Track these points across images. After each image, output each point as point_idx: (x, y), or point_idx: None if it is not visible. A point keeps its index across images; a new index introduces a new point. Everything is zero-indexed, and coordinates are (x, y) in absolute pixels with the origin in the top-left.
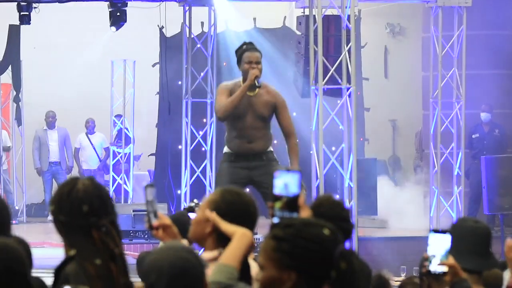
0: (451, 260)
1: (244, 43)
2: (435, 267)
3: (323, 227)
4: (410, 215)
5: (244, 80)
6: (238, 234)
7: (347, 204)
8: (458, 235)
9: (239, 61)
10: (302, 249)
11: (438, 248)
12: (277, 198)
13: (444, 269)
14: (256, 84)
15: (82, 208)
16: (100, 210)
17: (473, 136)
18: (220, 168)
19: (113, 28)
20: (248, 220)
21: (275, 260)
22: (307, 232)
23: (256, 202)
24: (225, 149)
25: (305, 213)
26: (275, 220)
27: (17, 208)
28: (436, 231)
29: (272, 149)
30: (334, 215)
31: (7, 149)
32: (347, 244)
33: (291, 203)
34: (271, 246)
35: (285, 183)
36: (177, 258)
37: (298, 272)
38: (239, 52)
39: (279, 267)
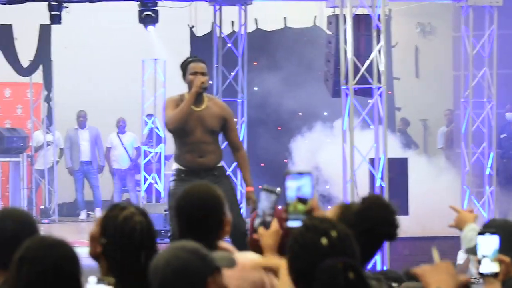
0: (503, 257)
1: (189, 57)
2: (486, 268)
3: (324, 235)
4: (441, 214)
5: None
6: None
7: None
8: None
9: (184, 74)
10: (295, 253)
11: (487, 249)
12: (291, 202)
13: (496, 269)
14: (203, 90)
15: (140, 253)
16: (154, 251)
17: (501, 136)
18: (171, 186)
19: (151, 27)
20: None
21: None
22: (302, 237)
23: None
24: (175, 166)
25: (318, 214)
26: (289, 224)
27: (48, 207)
28: (482, 232)
29: (222, 164)
30: (382, 219)
31: (39, 149)
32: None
33: (306, 207)
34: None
35: (298, 186)
36: (174, 257)
37: (294, 275)
38: (184, 64)
39: (287, 265)
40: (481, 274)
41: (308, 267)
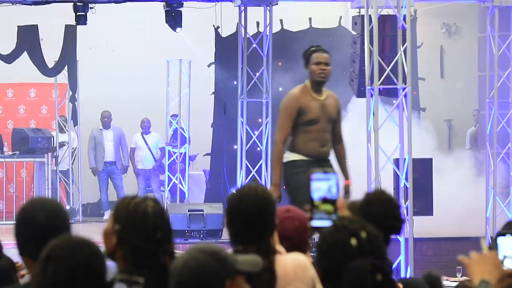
0: None
1: (312, 46)
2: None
3: (353, 236)
4: (466, 215)
5: (311, 81)
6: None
7: (402, 204)
8: None
9: (307, 63)
10: (324, 253)
11: (509, 250)
12: (317, 202)
13: None
14: (323, 78)
15: (156, 234)
16: (169, 236)
17: None
18: (294, 180)
19: (178, 29)
20: None
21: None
22: (331, 237)
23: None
24: (294, 156)
25: (344, 214)
26: (315, 223)
27: (73, 207)
28: (502, 233)
29: None
30: (384, 213)
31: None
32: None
33: (330, 205)
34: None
35: (324, 186)
36: (192, 259)
37: (323, 274)
38: (307, 53)
39: (316, 264)
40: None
41: (336, 267)
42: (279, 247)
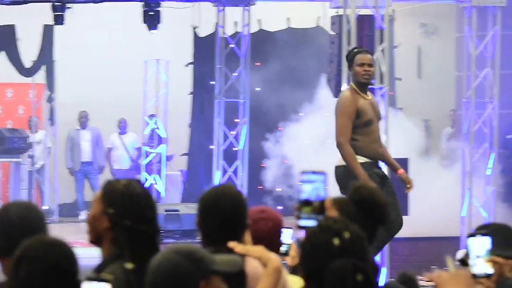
0: (496, 258)
1: (355, 47)
2: (480, 269)
3: (336, 236)
4: (442, 215)
5: (356, 82)
6: (271, 269)
7: None
8: (495, 235)
9: (350, 64)
10: (307, 252)
11: (479, 251)
12: (304, 201)
13: (490, 270)
14: (367, 80)
15: (147, 214)
16: (156, 216)
17: (508, 137)
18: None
19: (154, 30)
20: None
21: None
22: (315, 237)
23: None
24: (359, 159)
25: (331, 214)
26: (301, 223)
27: (49, 207)
28: (473, 235)
29: None
30: (373, 203)
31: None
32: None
33: (317, 205)
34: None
35: (312, 186)
36: (166, 259)
37: (305, 273)
38: (351, 54)
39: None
40: (474, 276)
41: (319, 267)
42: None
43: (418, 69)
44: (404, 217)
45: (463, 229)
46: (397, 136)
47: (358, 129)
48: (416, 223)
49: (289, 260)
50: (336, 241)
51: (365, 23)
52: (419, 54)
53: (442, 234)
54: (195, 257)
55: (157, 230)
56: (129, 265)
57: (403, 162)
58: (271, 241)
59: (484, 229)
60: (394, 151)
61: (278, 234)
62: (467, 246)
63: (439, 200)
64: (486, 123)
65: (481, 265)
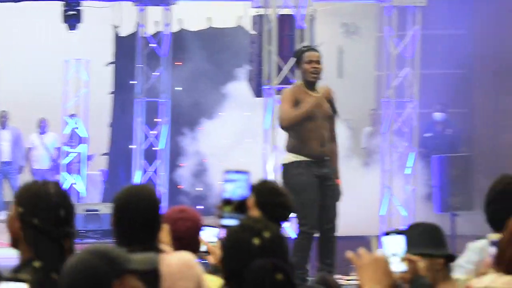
0: (411, 256)
1: (304, 46)
2: (395, 268)
3: (257, 236)
4: (363, 213)
5: (304, 81)
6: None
7: None
8: (413, 235)
9: (298, 62)
10: (226, 251)
11: (394, 249)
12: (226, 201)
13: (403, 268)
14: (315, 78)
15: (59, 214)
16: (71, 218)
17: (426, 135)
18: (297, 182)
19: (68, 28)
20: None
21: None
22: (235, 236)
23: None
24: (294, 157)
25: (254, 213)
26: (223, 222)
27: None
28: (389, 233)
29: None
30: (274, 203)
31: None
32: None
33: (240, 206)
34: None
35: (234, 185)
36: (79, 260)
37: (225, 272)
38: (299, 53)
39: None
40: None
41: (239, 267)
42: (165, 246)
43: (339, 69)
44: None
45: (382, 228)
46: None
47: (296, 125)
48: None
49: (212, 259)
50: (256, 241)
51: (286, 22)
52: (339, 54)
53: (363, 233)
54: (108, 257)
55: (72, 230)
56: (36, 264)
57: None
58: (190, 241)
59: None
60: None
61: (197, 233)
62: (383, 245)
63: (360, 199)
64: (406, 122)
65: (396, 264)
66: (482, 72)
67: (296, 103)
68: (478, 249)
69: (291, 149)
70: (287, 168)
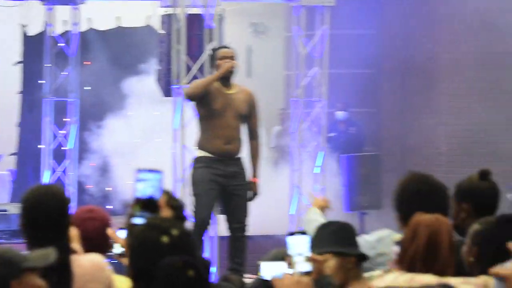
0: (315, 256)
1: (219, 46)
2: (300, 267)
3: (165, 234)
4: (273, 213)
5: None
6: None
7: None
8: (323, 233)
9: (212, 60)
10: (134, 250)
11: (299, 249)
12: (138, 200)
13: (309, 268)
14: (230, 72)
15: None
16: None
17: (330, 135)
18: (195, 175)
19: None
20: None
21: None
22: (143, 235)
23: None
24: (199, 153)
25: (165, 213)
26: (135, 222)
27: None
28: (292, 233)
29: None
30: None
31: None
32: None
33: (152, 204)
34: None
35: (146, 184)
36: None
37: (133, 271)
38: (213, 52)
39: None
40: (294, 274)
41: (148, 265)
42: (76, 246)
43: (248, 68)
44: None
45: (292, 227)
46: None
47: (203, 121)
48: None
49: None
50: (164, 239)
51: (195, 22)
52: (248, 53)
53: (274, 233)
54: (3, 258)
55: None
56: None
57: None
58: (99, 241)
59: (323, 227)
60: None
61: (106, 233)
62: (287, 245)
63: (271, 198)
64: (315, 122)
65: (301, 263)
66: (390, 72)
67: (205, 100)
68: (369, 243)
69: (198, 145)
70: (193, 163)
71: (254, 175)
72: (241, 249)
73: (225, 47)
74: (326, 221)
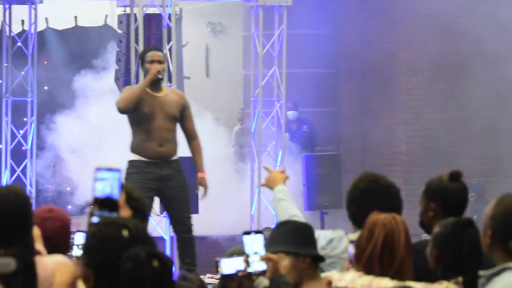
0: (271, 255)
1: (148, 46)
2: (255, 267)
3: (124, 228)
4: (232, 213)
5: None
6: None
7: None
8: (279, 233)
9: (142, 63)
10: (94, 249)
11: (255, 248)
12: (97, 199)
13: (263, 267)
14: (160, 77)
15: None
16: None
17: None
18: (127, 179)
19: None
20: None
21: (82, 257)
22: (101, 233)
23: None
24: (132, 157)
25: (125, 212)
26: (94, 219)
27: None
28: (247, 232)
29: (178, 157)
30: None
31: None
32: None
33: (111, 203)
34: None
35: (105, 183)
36: None
37: (94, 271)
38: (142, 53)
39: (83, 263)
40: (250, 273)
41: (110, 260)
42: (39, 247)
43: (206, 68)
44: (194, 215)
45: (252, 227)
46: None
47: (135, 125)
48: (206, 221)
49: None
50: (125, 233)
51: (153, 21)
52: (207, 53)
53: (234, 232)
54: None
55: None
56: None
57: (190, 161)
58: (60, 241)
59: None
60: (187, 150)
61: (67, 233)
62: (243, 244)
63: (231, 198)
64: (274, 121)
65: (256, 263)
66: (349, 72)
67: (136, 106)
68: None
69: (131, 148)
70: (127, 167)
71: (200, 170)
72: (189, 250)
73: (156, 48)
74: (292, 202)
